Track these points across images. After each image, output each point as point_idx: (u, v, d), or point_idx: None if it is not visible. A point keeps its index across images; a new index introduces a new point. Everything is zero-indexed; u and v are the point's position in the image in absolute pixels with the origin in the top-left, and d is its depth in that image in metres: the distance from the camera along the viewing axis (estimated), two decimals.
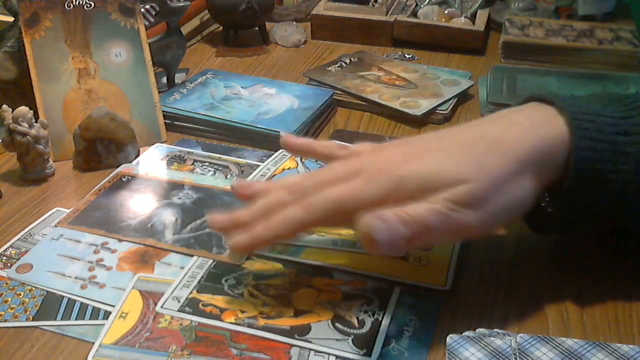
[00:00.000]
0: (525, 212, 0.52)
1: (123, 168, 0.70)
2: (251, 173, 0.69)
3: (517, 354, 0.46)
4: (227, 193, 0.66)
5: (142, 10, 0.83)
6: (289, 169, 0.70)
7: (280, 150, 0.73)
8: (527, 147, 0.50)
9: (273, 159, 0.72)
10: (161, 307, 0.51)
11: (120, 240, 0.59)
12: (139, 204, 0.64)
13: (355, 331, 0.49)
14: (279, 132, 0.75)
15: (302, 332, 0.49)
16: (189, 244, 0.58)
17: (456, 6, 1.11)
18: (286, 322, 0.50)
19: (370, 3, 1.09)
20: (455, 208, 0.47)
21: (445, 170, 0.49)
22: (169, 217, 0.62)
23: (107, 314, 0.51)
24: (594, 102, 0.53)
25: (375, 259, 0.56)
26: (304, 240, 0.58)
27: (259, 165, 0.71)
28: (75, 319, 0.51)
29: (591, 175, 0.50)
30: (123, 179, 0.68)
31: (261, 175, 0.69)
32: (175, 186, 0.67)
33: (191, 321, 0.50)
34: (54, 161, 0.71)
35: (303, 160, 0.71)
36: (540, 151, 0.50)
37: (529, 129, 0.51)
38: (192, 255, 0.57)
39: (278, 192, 0.52)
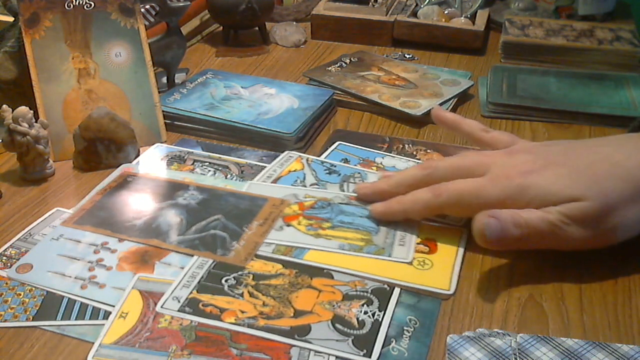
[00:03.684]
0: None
1: (123, 168, 0.70)
2: (252, 173, 0.69)
3: (517, 354, 0.46)
4: (232, 194, 0.66)
5: (142, 10, 0.83)
6: (294, 170, 0.70)
7: (286, 152, 0.73)
8: None
9: (279, 161, 0.72)
10: (161, 307, 0.51)
11: (120, 240, 0.59)
12: (144, 204, 0.64)
13: (355, 332, 0.49)
14: (279, 132, 0.75)
15: (302, 332, 0.49)
16: (194, 245, 0.58)
17: (456, 6, 1.11)
18: (286, 322, 0.50)
19: (370, 3, 1.09)
20: (567, 221, 0.53)
21: (564, 187, 0.53)
22: (173, 217, 0.62)
23: (107, 314, 0.51)
24: None
25: (379, 263, 0.56)
26: (309, 243, 0.58)
27: (258, 165, 0.71)
28: (75, 319, 0.51)
29: None
30: (129, 179, 0.68)
31: (267, 176, 0.68)
32: (180, 187, 0.67)
33: (191, 321, 0.50)
34: (54, 161, 0.71)
35: (309, 162, 0.71)
36: None
37: None
38: (192, 255, 0.57)
39: (413, 170, 0.62)
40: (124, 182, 0.67)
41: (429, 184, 0.59)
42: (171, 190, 0.66)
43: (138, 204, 0.64)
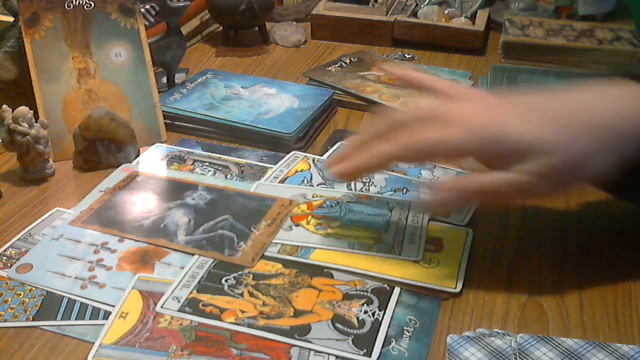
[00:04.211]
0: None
1: (123, 168, 0.70)
2: (252, 173, 0.69)
3: (517, 354, 0.46)
4: (241, 194, 0.65)
5: (142, 10, 0.83)
6: (301, 170, 0.70)
7: (292, 152, 0.73)
8: (624, 124, 0.50)
9: (285, 161, 0.71)
10: (161, 307, 0.51)
11: (120, 240, 0.59)
12: (152, 204, 0.64)
13: (355, 331, 0.49)
14: (279, 132, 0.75)
15: (302, 332, 0.49)
16: (201, 245, 0.58)
17: (456, 6, 1.11)
18: (286, 322, 0.50)
19: (370, 3, 1.09)
20: (536, 180, 0.50)
21: (534, 137, 0.50)
22: (182, 218, 0.62)
23: (107, 314, 0.51)
24: None
25: (385, 262, 0.56)
26: (318, 242, 0.58)
27: (258, 165, 0.71)
28: (75, 319, 0.51)
29: None
30: (138, 179, 0.68)
31: (274, 177, 0.68)
32: (189, 187, 0.66)
33: (191, 321, 0.50)
34: (54, 161, 0.71)
35: (315, 162, 0.71)
36: (635, 129, 0.50)
37: (627, 104, 0.51)
38: (192, 254, 0.57)
39: (373, 125, 0.57)
40: (133, 182, 0.67)
41: (392, 137, 0.54)
42: (180, 190, 0.66)
43: (146, 203, 0.64)
